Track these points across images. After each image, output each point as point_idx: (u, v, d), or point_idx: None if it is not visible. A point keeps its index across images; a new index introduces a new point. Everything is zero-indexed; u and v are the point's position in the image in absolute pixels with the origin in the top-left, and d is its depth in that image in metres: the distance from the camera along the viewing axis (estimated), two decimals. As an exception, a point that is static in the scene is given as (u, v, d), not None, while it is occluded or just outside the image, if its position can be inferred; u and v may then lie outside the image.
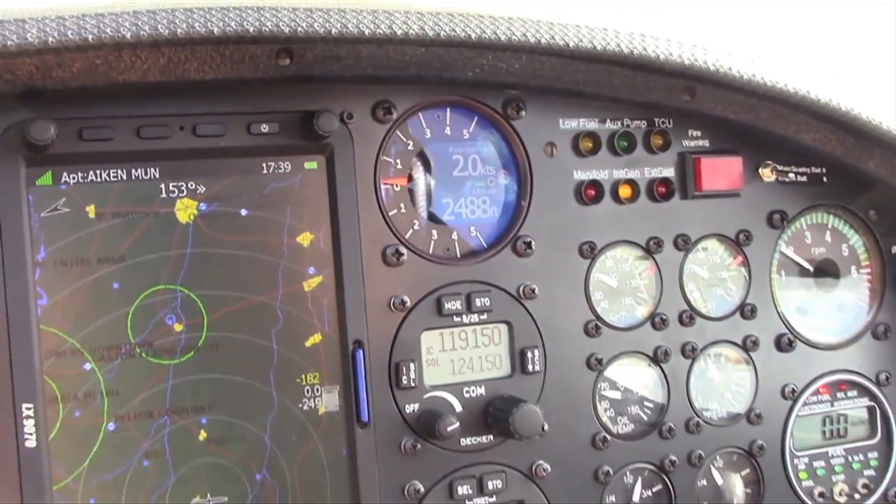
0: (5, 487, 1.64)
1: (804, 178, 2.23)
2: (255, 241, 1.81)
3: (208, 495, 1.77)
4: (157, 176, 1.74)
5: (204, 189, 1.77)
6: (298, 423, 1.83)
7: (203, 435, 1.77)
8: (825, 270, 2.29)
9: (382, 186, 1.90)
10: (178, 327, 1.76)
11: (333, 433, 1.85)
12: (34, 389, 1.65)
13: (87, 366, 1.70)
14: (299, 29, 1.61)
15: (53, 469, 1.68)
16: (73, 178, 1.70)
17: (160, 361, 1.75)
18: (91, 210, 1.71)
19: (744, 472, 2.19)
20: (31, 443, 1.65)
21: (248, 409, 1.81)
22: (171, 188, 1.75)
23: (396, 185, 1.93)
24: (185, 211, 1.76)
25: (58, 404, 1.69)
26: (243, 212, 1.80)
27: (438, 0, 1.77)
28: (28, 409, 1.65)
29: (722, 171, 2.13)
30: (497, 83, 1.94)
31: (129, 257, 1.74)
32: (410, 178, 1.95)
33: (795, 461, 2.23)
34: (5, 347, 1.65)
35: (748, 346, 2.17)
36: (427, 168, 1.96)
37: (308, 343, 1.85)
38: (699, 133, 2.13)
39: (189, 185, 1.76)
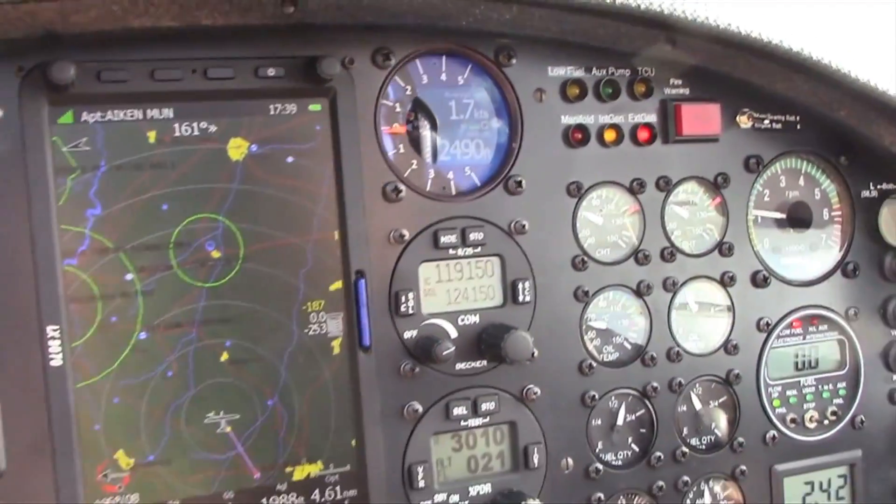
0: (34, 396, 1.78)
1: (779, 126, 2.37)
2: (296, 187, 1.95)
3: (222, 412, 1.91)
4: (172, 116, 1.87)
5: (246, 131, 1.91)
6: (311, 352, 1.97)
7: (225, 356, 1.91)
8: (799, 216, 2.42)
9: (383, 130, 2.03)
10: (215, 254, 1.90)
11: (339, 358, 1.99)
12: (59, 313, 1.78)
13: (129, 276, 1.84)
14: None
15: (84, 367, 1.82)
16: (93, 116, 1.82)
17: (195, 282, 1.89)
18: (152, 135, 1.85)
19: (721, 400, 2.34)
20: (56, 362, 1.79)
21: (269, 338, 1.95)
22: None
23: (396, 136, 2.06)
24: (238, 149, 1.90)
25: (96, 305, 1.82)
26: (289, 158, 1.94)
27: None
28: (53, 330, 1.78)
29: (701, 117, 2.26)
30: (489, 32, 2.06)
31: (180, 184, 1.87)
32: (409, 123, 2.08)
33: (769, 389, 2.38)
34: (31, 277, 1.77)
35: (726, 281, 2.31)
36: (425, 112, 2.09)
37: (332, 288, 1.99)
38: (680, 81, 2.26)
39: (201, 124, 1.89)
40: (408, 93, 2.06)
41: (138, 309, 1.85)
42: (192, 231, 1.88)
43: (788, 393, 2.41)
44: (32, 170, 1.77)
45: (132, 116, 1.84)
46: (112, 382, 1.84)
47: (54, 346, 1.78)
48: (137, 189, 1.84)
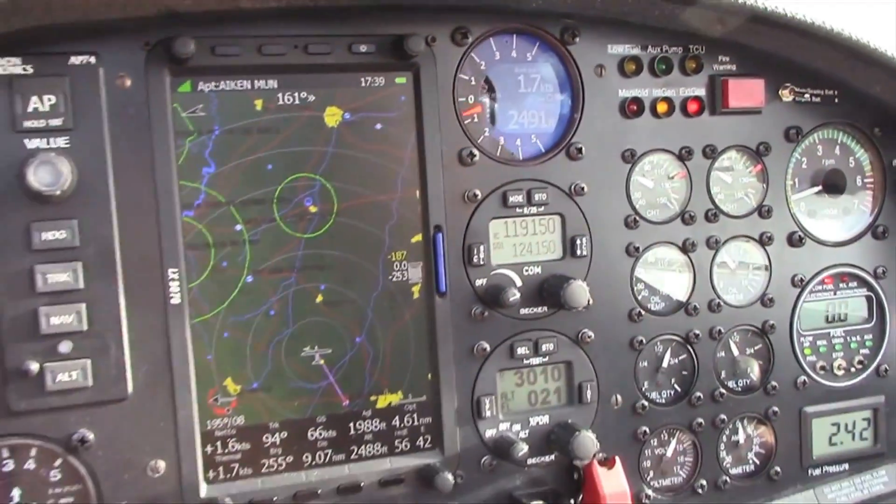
0: (156, 329, 2.04)
1: (818, 99, 2.55)
2: (383, 151, 2.18)
3: (316, 347, 2.17)
4: (276, 86, 2.10)
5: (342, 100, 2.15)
6: (393, 296, 2.21)
7: (320, 298, 2.16)
8: (833, 182, 2.61)
9: (459, 100, 2.25)
10: (313, 209, 2.14)
11: (418, 302, 2.24)
12: (178, 258, 2.03)
13: (238, 227, 2.09)
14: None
15: (199, 304, 2.07)
16: (208, 86, 2.06)
17: (295, 234, 2.13)
18: (259, 104, 2.09)
19: (756, 347, 2.56)
20: (175, 300, 2.05)
21: (358, 283, 2.18)
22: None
23: (474, 115, 2.28)
24: (333, 117, 2.13)
25: (210, 251, 2.07)
26: (378, 126, 2.17)
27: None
28: (174, 272, 2.03)
29: (746, 91, 2.45)
30: (556, 14, 2.27)
31: (283, 146, 2.10)
32: (486, 92, 2.29)
33: (801, 339, 2.60)
34: (155, 227, 2.02)
35: (764, 240, 2.52)
36: (496, 85, 2.30)
37: (413, 240, 2.22)
38: (728, 58, 2.45)
39: (301, 94, 2.13)
40: (482, 68, 2.28)
41: (246, 256, 2.11)
42: (292, 188, 2.13)
43: (819, 343, 2.63)
44: (156, 132, 2.01)
45: (242, 86, 2.08)
46: (223, 319, 2.10)
47: (174, 287, 2.04)
48: (246, 151, 2.09)
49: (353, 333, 2.20)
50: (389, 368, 2.23)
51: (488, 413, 2.29)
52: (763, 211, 2.52)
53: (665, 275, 2.46)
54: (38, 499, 1.98)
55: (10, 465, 1.96)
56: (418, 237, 2.22)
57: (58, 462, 1.98)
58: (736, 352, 2.54)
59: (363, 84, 2.17)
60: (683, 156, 2.43)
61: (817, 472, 2.63)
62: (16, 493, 1.97)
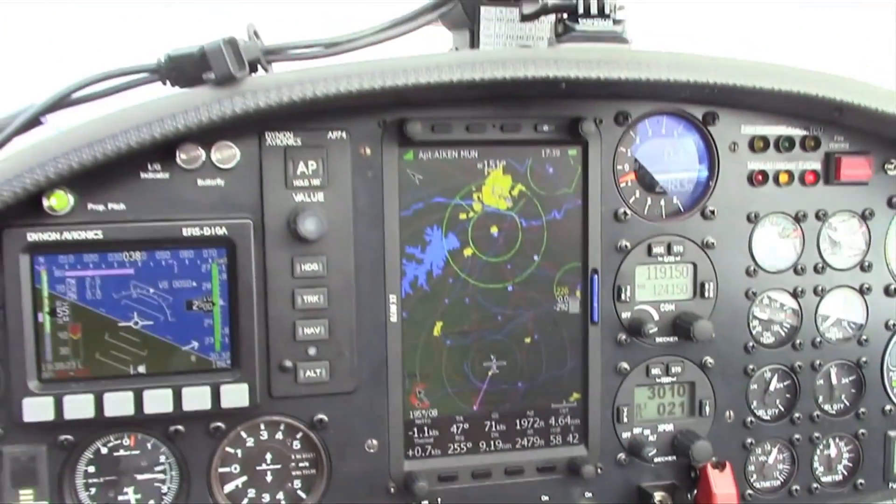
0: (378, 341, 2.61)
1: (918, 172, 2.97)
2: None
3: (493, 358, 2.72)
4: (476, 156, 2.66)
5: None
6: (556, 322, 2.75)
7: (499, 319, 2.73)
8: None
9: (617, 168, 2.73)
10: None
11: (574, 327, 2.77)
12: (397, 288, 2.61)
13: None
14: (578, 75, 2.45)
15: (411, 324, 2.63)
16: (426, 155, 2.62)
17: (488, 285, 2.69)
18: None
19: (851, 378, 2.99)
20: (394, 319, 2.62)
21: (532, 311, 2.74)
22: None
23: (627, 180, 2.77)
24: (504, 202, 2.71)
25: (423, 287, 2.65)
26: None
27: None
28: (393, 298, 2.60)
29: (856, 166, 2.87)
30: (701, 101, 2.76)
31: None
32: (636, 161, 2.78)
33: (891, 374, 2.99)
34: (381, 263, 2.59)
35: (864, 290, 2.93)
36: (648, 157, 2.79)
37: (575, 278, 2.76)
38: (842, 138, 2.87)
39: (498, 161, 2.65)
40: (637, 142, 2.78)
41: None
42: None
43: (905, 377, 3.03)
44: (387, 189, 2.56)
45: (450, 156, 2.65)
46: (427, 337, 2.67)
47: (393, 309, 2.60)
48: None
49: (523, 349, 2.75)
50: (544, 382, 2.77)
51: (626, 419, 2.79)
52: (864, 265, 2.93)
53: (777, 315, 2.91)
54: (284, 462, 2.61)
55: (265, 436, 2.59)
56: (579, 276, 2.75)
57: (299, 435, 2.59)
58: (834, 381, 2.97)
59: (543, 155, 2.71)
60: (799, 217, 2.85)
61: (898, 485, 3.07)
62: (268, 456, 2.61)
